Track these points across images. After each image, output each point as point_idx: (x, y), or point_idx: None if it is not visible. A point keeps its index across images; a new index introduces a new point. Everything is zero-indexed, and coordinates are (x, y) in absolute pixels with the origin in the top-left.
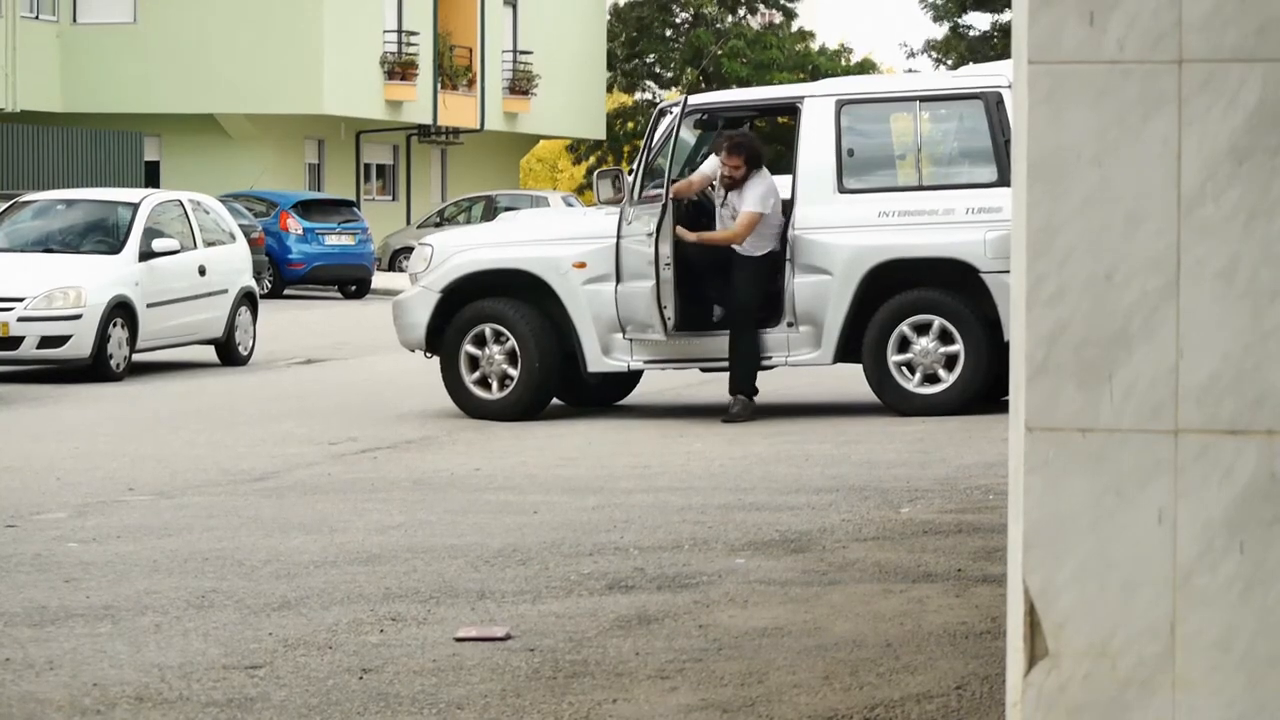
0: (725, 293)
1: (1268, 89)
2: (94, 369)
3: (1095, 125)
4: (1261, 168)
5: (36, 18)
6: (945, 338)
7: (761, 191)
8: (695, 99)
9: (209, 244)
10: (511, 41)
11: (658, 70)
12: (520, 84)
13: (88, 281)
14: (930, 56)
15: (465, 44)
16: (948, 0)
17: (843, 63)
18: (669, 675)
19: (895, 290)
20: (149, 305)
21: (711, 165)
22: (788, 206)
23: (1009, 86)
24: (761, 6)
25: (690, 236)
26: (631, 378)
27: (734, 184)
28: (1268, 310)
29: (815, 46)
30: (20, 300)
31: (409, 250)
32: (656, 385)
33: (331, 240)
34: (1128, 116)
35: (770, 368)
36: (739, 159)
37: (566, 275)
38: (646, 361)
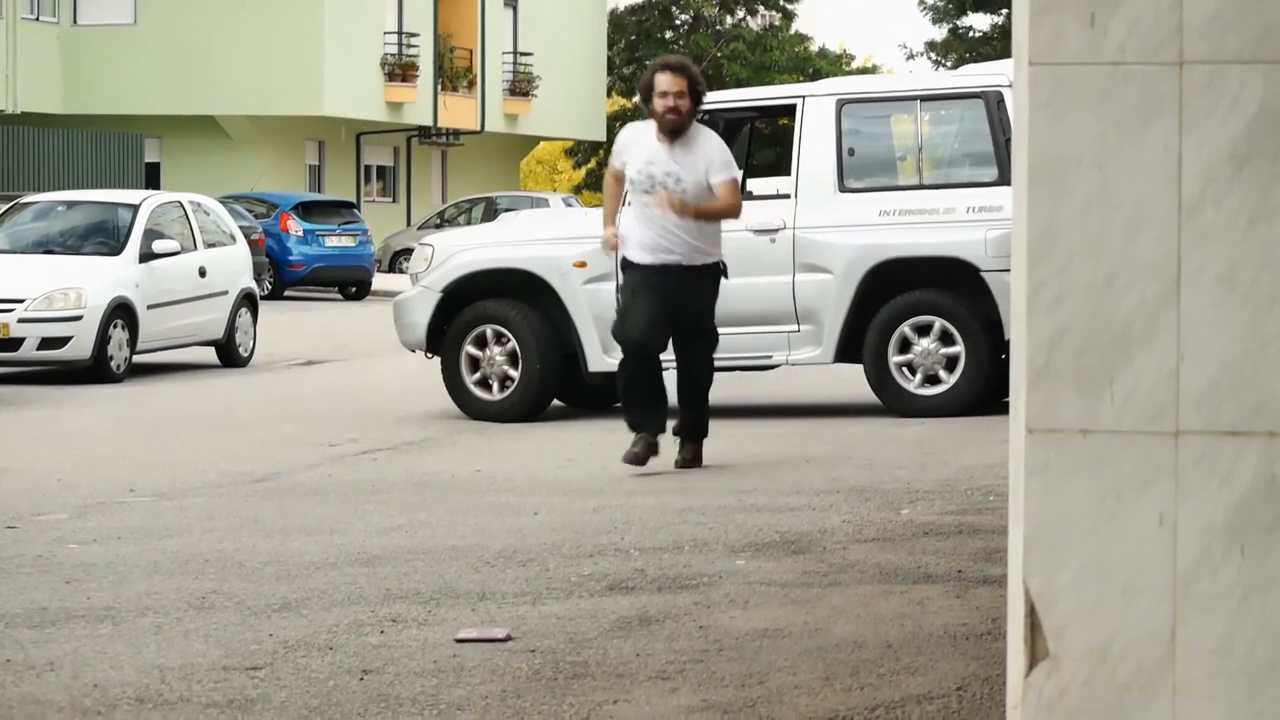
0: (682, 305)
1: (1269, 93)
2: (94, 370)
3: (1096, 129)
4: (1262, 172)
5: (37, 19)
6: (946, 339)
7: (727, 153)
8: None
9: (209, 245)
10: (512, 43)
11: None
12: (521, 85)
13: (88, 283)
14: (929, 58)
15: (466, 45)
16: (948, 2)
17: (843, 66)
18: (669, 676)
19: (896, 289)
20: (149, 306)
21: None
22: (784, 205)
23: (1010, 86)
24: (761, 8)
25: (689, 211)
26: None
27: (678, 128)
28: (1268, 315)
29: (815, 49)
30: (21, 301)
31: (409, 252)
32: None
33: (332, 242)
34: (1129, 120)
35: (772, 367)
36: (683, 81)
37: (567, 275)
38: None
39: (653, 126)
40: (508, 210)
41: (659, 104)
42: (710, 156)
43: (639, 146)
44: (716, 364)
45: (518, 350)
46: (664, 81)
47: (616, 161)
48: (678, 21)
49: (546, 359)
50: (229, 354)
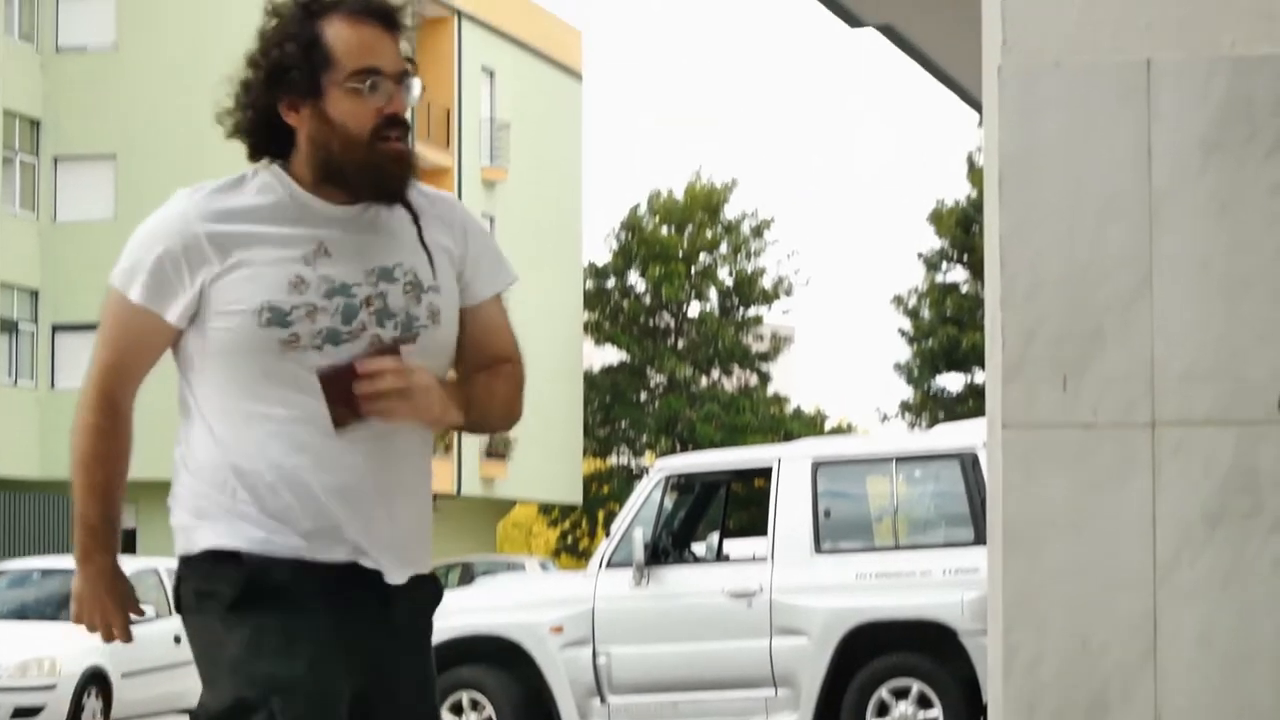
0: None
1: (1240, 452)
2: None
3: (1069, 489)
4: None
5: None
6: (923, 702)
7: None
8: (669, 461)
9: None
10: None
11: (631, 435)
12: (497, 448)
13: (62, 651)
14: (904, 419)
15: None
16: (921, 364)
17: (817, 427)
18: None
19: (874, 649)
20: (124, 675)
21: None
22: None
23: (984, 446)
24: (736, 368)
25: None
26: None
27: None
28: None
29: (789, 410)
30: None
31: None
32: None
33: None
34: (1102, 480)
35: None
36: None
37: (544, 640)
38: None
39: (269, 181)
40: (485, 574)
41: (371, 104)
42: (464, 237)
43: (251, 234)
44: None
45: (494, 718)
46: (383, 51)
47: (140, 291)
48: (652, 383)
49: None
50: None
